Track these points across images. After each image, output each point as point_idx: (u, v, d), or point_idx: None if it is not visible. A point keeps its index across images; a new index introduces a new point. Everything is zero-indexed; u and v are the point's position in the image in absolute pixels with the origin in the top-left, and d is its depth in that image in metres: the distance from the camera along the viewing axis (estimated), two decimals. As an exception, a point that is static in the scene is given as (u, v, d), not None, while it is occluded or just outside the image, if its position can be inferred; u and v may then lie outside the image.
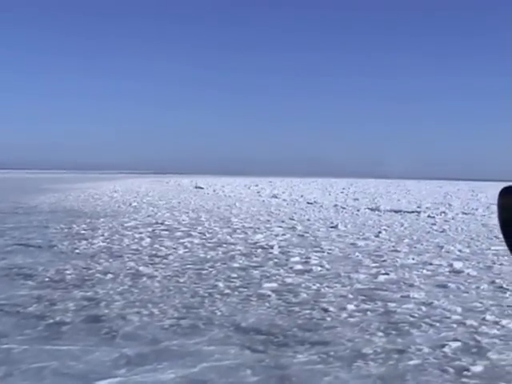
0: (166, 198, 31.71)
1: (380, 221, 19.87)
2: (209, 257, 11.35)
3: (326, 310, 7.22)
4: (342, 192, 46.87)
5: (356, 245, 13.43)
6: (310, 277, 9.45)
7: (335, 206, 27.66)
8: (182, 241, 13.51)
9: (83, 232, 15.02)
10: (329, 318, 6.87)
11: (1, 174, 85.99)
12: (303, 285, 8.78)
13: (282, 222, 18.77)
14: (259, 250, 12.26)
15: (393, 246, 13.26)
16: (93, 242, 13.12)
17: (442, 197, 40.87)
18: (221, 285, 8.65)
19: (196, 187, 49.76)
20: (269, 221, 18.96)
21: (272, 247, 12.65)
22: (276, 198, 34.61)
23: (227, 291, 8.25)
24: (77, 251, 11.79)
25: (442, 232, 16.64)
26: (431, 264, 10.81)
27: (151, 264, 10.40)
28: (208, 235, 14.68)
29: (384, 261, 11.18)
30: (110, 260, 10.76)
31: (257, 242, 13.50)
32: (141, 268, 9.94)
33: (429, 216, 22.05)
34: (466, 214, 23.67)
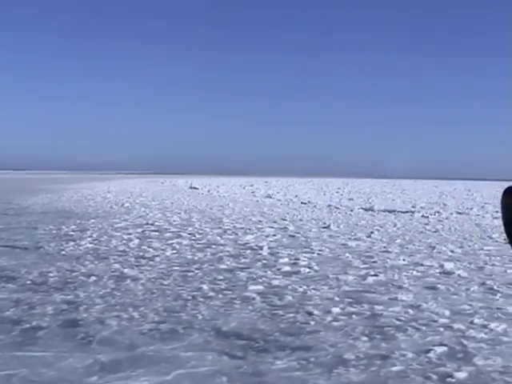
0: (160, 199, 31.51)
1: (373, 221, 19.70)
2: (196, 258, 11.17)
3: (310, 314, 7.05)
4: (337, 192, 46.70)
5: (347, 245, 13.26)
6: (297, 279, 9.28)
7: (329, 206, 27.48)
8: (170, 242, 13.33)
9: (72, 233, 14.83)
10: (312, 322, 6.69)
11: (0, 175, 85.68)
12: (290, 287, 8.60)
13: (274, 222, 18.59)
14: (248, 251, 12.09)
15: (384, 247, 13.09)
16: (80, 243, 12.93)
17: (437, 196, 40.71)
18: (205, 287, 8.47)
19: (191, 187, 49.58)
20: (261, 221, 18.78)
21: (261, 248, 12.48)
22: (270, 198, 34.42)
23: (211, 294, 8.07)
24: (63, 253, 11.61)
25: (434, 232, 16.48)
26: (422, 265, 10.64)
27: (137, 266, 10.22)
28: (198, 236, 14.50)
29: (374, 262, 11.02)
30: (96, 262, 10.57)
31: (246, 243, 13.32)
32: (126, 270, 9.76)
33: (423, 216, 21.89)
34: (460, 213, 23.52)
